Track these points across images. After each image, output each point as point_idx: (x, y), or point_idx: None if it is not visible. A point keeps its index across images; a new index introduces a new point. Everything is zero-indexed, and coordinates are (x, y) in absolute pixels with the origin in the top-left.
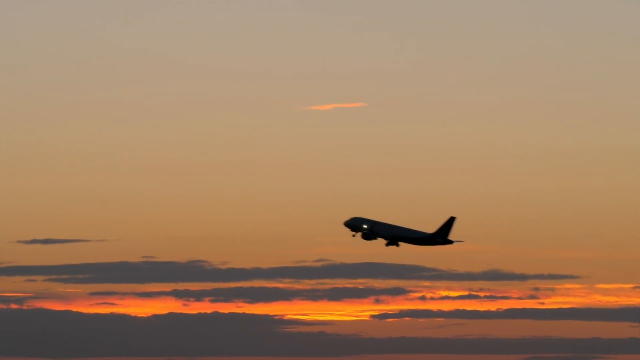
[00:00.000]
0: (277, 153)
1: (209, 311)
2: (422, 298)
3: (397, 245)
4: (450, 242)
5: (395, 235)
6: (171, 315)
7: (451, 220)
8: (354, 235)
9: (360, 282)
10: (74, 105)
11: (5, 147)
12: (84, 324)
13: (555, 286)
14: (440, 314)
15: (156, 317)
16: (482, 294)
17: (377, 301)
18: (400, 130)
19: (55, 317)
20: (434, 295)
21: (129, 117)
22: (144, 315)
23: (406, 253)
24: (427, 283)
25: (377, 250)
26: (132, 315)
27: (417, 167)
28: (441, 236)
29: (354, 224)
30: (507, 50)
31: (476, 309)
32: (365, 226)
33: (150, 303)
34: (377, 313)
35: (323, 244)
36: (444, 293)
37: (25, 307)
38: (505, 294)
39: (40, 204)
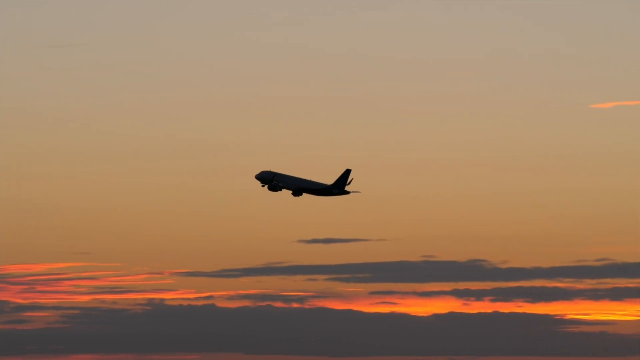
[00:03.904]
0: (557, 151)
1: (489, 311)
2: None
3: (301, 194)
4: (347, 192)
5: (297, 186)
6: (451, 315)
7: (347, 172)
8: (263, 186)
9: None
10: (340, 108)
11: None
12: (364, 323)
13: None
14: None
15: (436, 317)
16: None
17: None
18: None
19: (336, 316)
20: None
21: (403, 119)
22: (424, 315)
23: None
24: None
25: None
26: (413, 314)
27: None
28: (338, 187)
29: (263, 177)
30: None
31: None
32: (273, 178)
33: (430, 302)
34: None
35: (604, 243)
36: None
37: (306, 306)
38: None
39: (321, 205)
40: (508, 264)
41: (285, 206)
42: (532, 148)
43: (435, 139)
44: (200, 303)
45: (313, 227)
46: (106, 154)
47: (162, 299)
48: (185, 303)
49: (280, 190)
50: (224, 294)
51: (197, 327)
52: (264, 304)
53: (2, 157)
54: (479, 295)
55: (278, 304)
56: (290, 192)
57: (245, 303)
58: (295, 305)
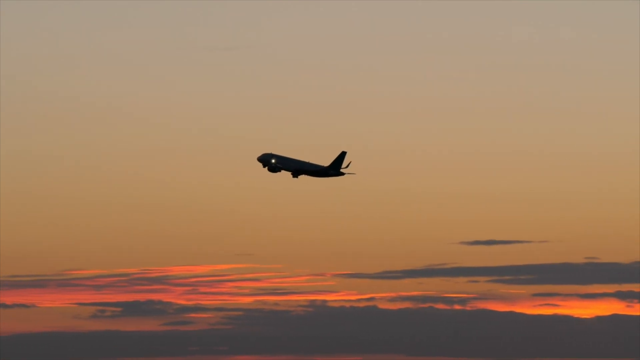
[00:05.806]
0: None
1: None
2: None
3: (299, 175)
4: (342, 174)
5: (295, 168)
6: (614, 317)
7: (342, 155)
8: (264, 167)
9: None
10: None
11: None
12: (527, 324)
13: None
14: None
15: (599, 319)
16: None
17: None
18: None
19: (498, 317)
20: None
21: (556, 114)
22: (587, 317)
23: None
24: None
25: None
26: (575, 316)
27: None
28: (334, 168)
29: (264, 159)
30: None
31: None
32: (273, 161)
33: (593, 304)
34: None
35: None
36: None
37: (468, 308)
38: None
39: (483, 206)
40: None
41: (446, 207)
42: None
43: (596, 134)
44: (362, 305)
45: (475, 228)
46: None
47: (324, 301)
48: (347, 305)
49: (280, 171)
50: (386, 296)
51: (358, 329)
52: (426, 305)
53: (170, 164)
54: None
55: (440, 306)
56: (290, 173)
57: (407, 305)
58: (457, 307)
